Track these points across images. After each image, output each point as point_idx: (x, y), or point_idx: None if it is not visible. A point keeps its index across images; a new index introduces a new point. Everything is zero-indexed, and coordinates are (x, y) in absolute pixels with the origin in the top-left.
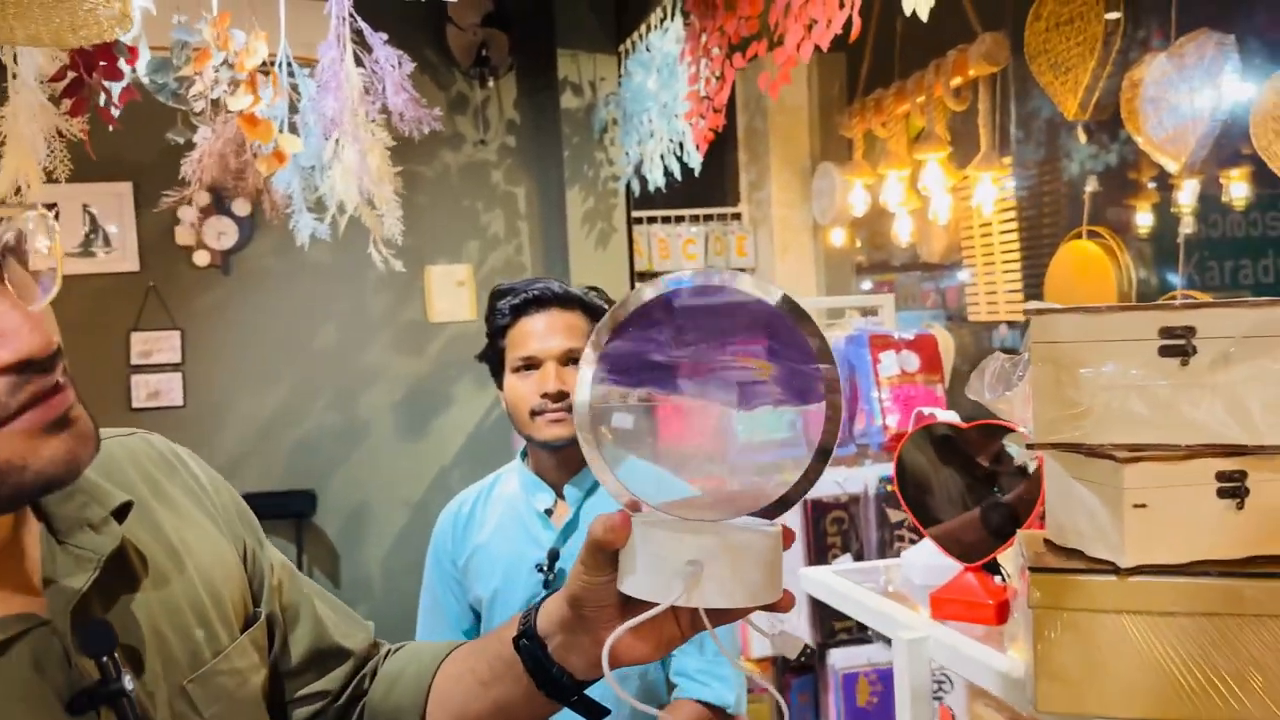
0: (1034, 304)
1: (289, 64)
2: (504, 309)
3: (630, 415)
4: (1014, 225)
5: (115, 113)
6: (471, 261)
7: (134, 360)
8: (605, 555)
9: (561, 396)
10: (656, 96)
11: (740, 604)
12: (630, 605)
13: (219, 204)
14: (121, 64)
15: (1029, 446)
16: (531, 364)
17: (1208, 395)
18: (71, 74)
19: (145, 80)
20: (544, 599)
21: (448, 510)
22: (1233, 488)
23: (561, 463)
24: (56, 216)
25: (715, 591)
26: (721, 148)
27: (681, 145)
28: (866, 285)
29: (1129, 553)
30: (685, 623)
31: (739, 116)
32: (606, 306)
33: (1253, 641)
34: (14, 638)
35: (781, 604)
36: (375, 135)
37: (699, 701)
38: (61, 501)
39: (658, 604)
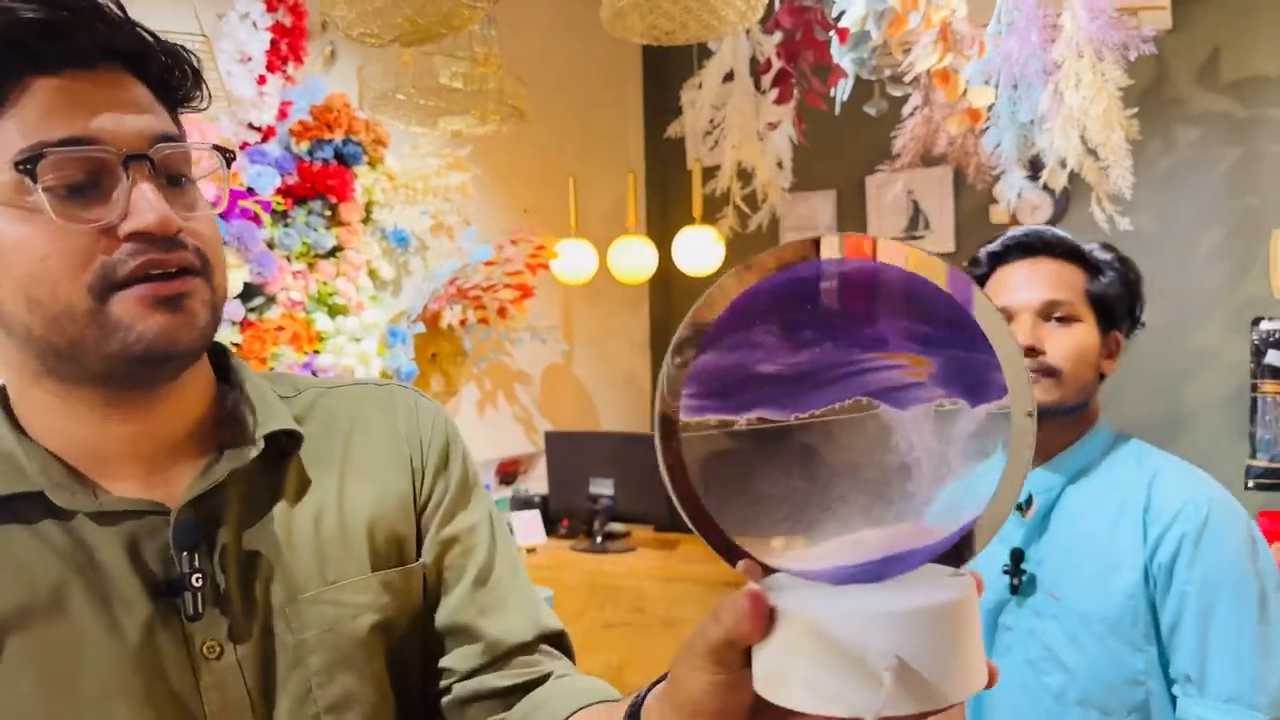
0: None
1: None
2: (982, 257)
3: (737, 449)
4: None
5: (834, 93)
6: None
7: None
8: (736, 651)
9: (1032, 354)
10: None
11: (953, 698)
12: (764, 712)
13: (1034, 177)
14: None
15: None
16: (1007, 317)
17: None
18: (778, 64)
19: (846, 60)
20: (656, 682)
21: None
22: None
23: (1040, 439)
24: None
25: (919, 688)
26: None
27: None
28: None
29: None
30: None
31: None
32: (1115, 268)
33: None
34: (119, 515)
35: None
36: (1105, 76)
37: None
38: (238, 420)
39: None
